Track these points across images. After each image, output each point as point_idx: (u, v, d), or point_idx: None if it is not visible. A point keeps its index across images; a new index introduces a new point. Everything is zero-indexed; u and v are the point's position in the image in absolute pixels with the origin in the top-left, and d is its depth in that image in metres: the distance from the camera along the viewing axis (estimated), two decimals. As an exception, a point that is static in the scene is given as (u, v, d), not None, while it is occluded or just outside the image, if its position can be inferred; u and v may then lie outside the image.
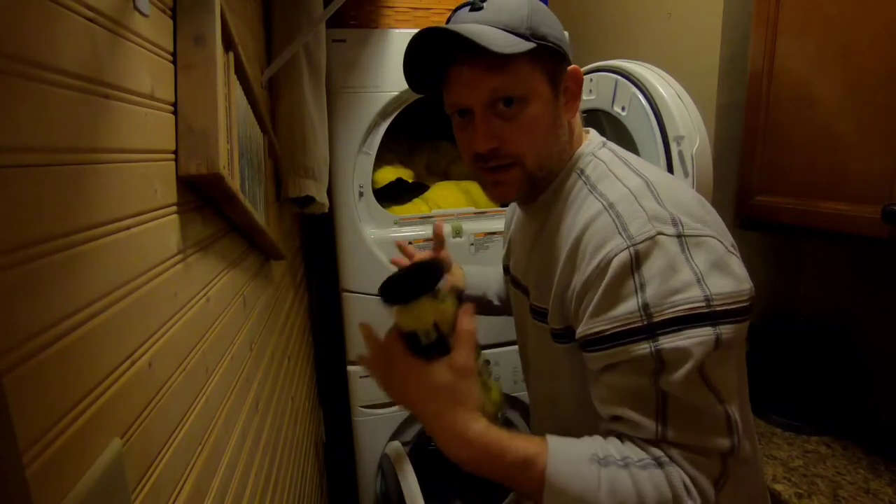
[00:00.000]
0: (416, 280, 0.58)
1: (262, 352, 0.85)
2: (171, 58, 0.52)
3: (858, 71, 0.97)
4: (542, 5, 0.66)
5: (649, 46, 1.49)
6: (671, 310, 0.53)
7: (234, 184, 0.61)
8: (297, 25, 1.03)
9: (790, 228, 1.14)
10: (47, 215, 0.31)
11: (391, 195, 1.52)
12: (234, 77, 0.67)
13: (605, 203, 0.61)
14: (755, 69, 1.17)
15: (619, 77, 1.11)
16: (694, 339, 0.53)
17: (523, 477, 0.54)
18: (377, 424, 1.47)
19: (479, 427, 0.55)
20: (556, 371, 0.71)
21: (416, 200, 1.52)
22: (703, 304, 0.53)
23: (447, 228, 0.97)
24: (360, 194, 1.40)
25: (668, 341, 0.53)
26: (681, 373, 0.53)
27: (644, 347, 0.54)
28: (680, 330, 0.53)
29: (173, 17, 0.54)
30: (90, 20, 0.37)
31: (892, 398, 1.20)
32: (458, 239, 1.46)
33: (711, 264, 0.55)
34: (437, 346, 0.57)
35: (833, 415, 1.24)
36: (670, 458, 0.54)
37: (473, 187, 1.56)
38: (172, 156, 0.51)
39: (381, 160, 1.48)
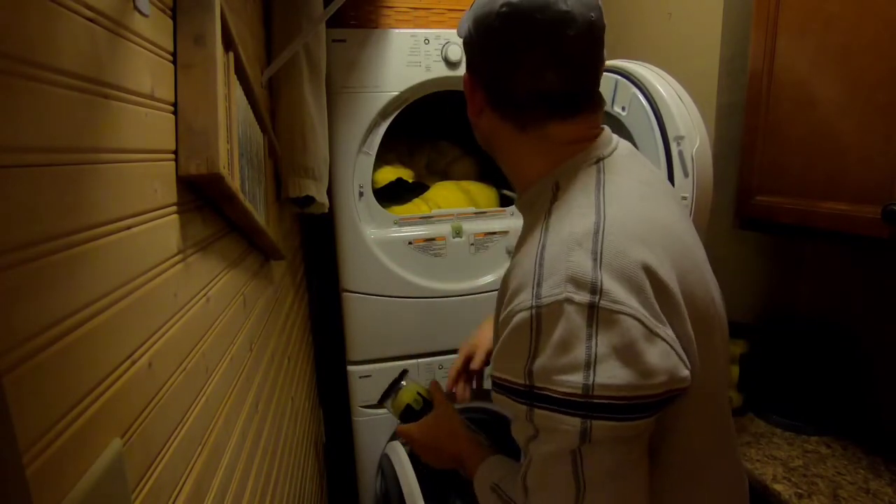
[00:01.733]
0: (391, 385, 0.93)
1: (262, 352, 0.85)
2: (171, 58, 0.52)
3: (858, 70, 0.97)
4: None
5: (649, 46, 1.49)
6: (549, 388, 0.51)
7: (234, 184, 0.61)
8: (297, 25, 1.03)
9: (790, 228, 1.14)
10: (47, 215, 0.31)
11: (391, 195, 1.52)
12: (234, 77, 0.67)
13: (541, 243, 0.56)
14: (755, 69, 1.17)
15: (619, 77, 1.11)
16: (559, 424, 0.51)
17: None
18: (377, 424, 1.47)
19: (462, 447, 0.77)
20: None
21: (416, 200, 1.52)
22: (579, 391, 0.49)
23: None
24: (360, 194, 1.40)
25: (539, 416, 0.52)
26: (547, 448, 0.53)
27: (522, 409, 0.54)
28: (551, 411, 0.51)
29: (173, 17, 0.54)
30: (90, 20, 0.37)
31: (892, 398, 1.20)
32: (458, 239, 1.46)
33: (614, 349, 0.49)
34: (425, 407, 0.88)
35: (833, 415, 1.24)
36: None
37: (473, 187, 1.56)
38: (172, 156, 0.51)
39: (381, 160, 1.48)
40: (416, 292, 1.44)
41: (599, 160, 0.62)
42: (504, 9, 0.57)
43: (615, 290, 0.50)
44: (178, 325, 0.50)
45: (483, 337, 0.96)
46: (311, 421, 1.41)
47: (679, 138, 1.02)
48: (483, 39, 0.61)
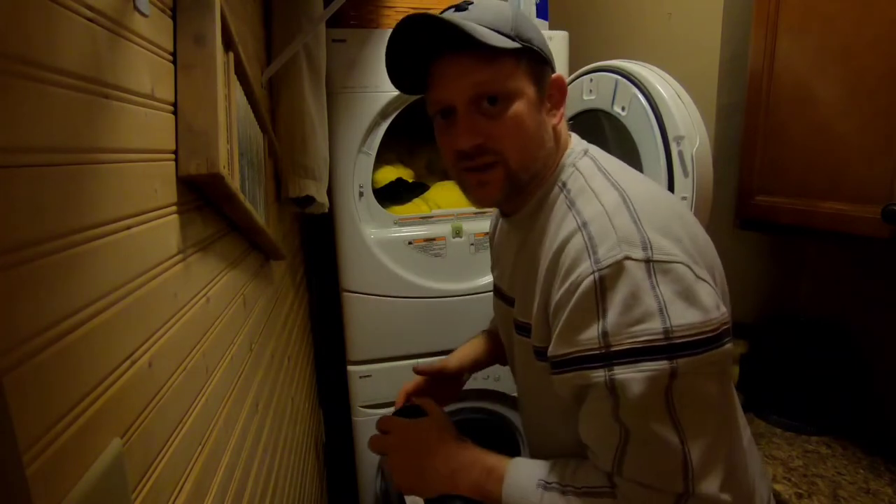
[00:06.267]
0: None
1: (262, 352, 0.85)
2: (171, 58, 0.52)
3: (859, 71, 0.97)
4: (525, 14, 0.66)
5: (649, 46, 1.49)
6: (629, 340, 0.53)
7: (234, 184, 0.61)
8: (297, 25, 1.03)
9: (790, 228, 1.14)
10: (47, 215, 0.31)
11: (391, 195, 1.52)
12: (234, 77, 0.67)
13: (579, 222, 0.60)
14: (755, 69, 1.17)
15: (619, 77, 1.11)
16: (647, 371, 0.52)
17: (488, 491, 0.64)
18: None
19: (465, 454, 0.67)
20: (540, 386, 0.70)
21: (416, 200, 1.52)
22: (661, 335, 0.52)
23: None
24: (360, 194, 1.40)
25: (622, 372, 0.53)
26: (636, 404, 0.53)
27: (599, 375, 0.54)
28: (635, 361, 0.52)
29: (173, 17, 0.54)
30: (90, 20, 0.37)
31: (892, 398, 1.20)
32: (458, 239, 1.46)
33: (677, 293, 0.53)
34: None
35: (833, 415, 1.24)
36: (619, 490, 0.55)
37: (473, 187, 1.56)
38: (172, 156, 0.51)
39: (381, 160, 1.48)
40: (416, 292, 1.44)
41: (586, 152, 0.68)
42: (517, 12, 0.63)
43: (662, 243, 0.55)
44: (178, 326, 0.50)
45: (455, 358, 0.95)
46: (311, 421, 1.41)
47: (679, 138, 1.02)
48: (538, 34, 0.65)
